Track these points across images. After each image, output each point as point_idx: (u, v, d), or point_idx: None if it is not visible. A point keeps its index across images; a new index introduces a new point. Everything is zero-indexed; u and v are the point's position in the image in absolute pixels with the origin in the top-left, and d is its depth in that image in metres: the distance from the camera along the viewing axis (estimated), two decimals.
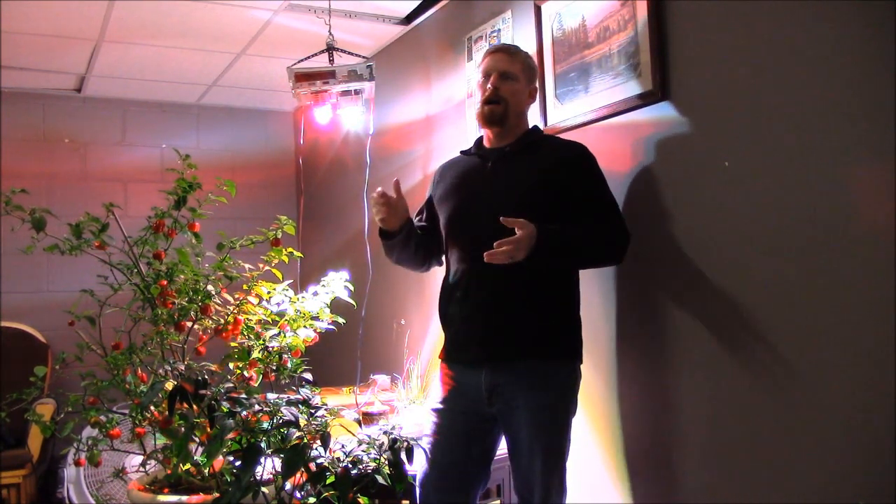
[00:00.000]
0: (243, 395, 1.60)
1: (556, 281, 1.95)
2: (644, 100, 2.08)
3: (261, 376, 1.88)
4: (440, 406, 2.03)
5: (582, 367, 2.01)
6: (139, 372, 1.80)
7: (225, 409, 1.54)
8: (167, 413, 1.64)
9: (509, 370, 1.91)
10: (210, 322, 1.88)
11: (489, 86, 1.99)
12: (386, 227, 2.07)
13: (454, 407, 2.00)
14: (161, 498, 1.68)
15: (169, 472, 1.76)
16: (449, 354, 2.04)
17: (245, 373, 1.87)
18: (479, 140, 2.13)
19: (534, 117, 2.42)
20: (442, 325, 2.08)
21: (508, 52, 2.04)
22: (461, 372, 2.00)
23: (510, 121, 2.02)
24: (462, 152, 2.18)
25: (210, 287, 1.85)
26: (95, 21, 3.26)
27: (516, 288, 1.91)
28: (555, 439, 1.90)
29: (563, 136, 2.30)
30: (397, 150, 3.53)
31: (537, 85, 2.13)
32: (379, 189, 2.03)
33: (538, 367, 1.90)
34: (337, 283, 1.95)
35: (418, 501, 1.99)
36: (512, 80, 2.01)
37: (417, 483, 2.00)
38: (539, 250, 1.79)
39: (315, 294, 1.94)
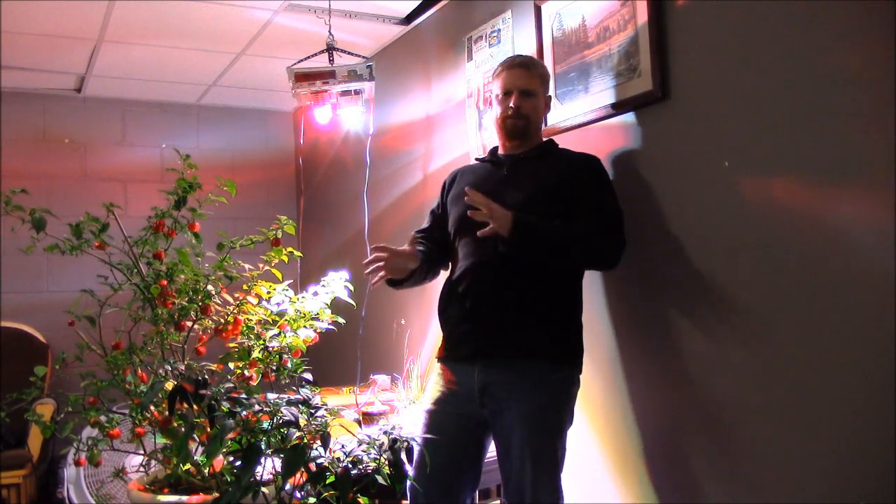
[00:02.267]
0: (243, 395, 1.60)
1: (557, 285, 1.96)
2: (644, 100, 2.08)
3: (261, 376, 1.88)
4: (432, 407, 2.03)
5: (584, 369, 2.01)
6: (139, 372, 1.80)
7: (225, 409, 1.53)
8: (167, 413, 1.64)
9: (502, 370, 1.91)
10: (210, 322, 1.88)
11: (511, 105, 2.03)
12: (393, 277, 2.06)
13: (446, 408, 2.00)
14: (161, 498, 1.68)
15: (169, 472, 1.76)
16: (445, 352, 2.04)
17: (245, 373, 1.87)
18: (495, 149, 2.16)
19: None
20: (441, 323, 2.08)
21: (527, 68, 2.06)
22: (455, 370, 2.00)
23: (530, 134, 2.07)
24: (477, 159, 2.21)
25: (210, 287, 1.85)
26: (95, 21, 3.26)
27: (516, 289, 1.91)
28: (546, 442, 1.87)
29: (563, 136, 2.31)
30: (397, 150, 3.53)
31: (550, 93, 2.17)
32: (372, 254, 1.99)
33: (531, 369, 1.89)
34: (337, 283, 1.95)
35: (409, 498, 1.99)
36: (532, 96, 2.05)
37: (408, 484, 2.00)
38: (515, 231, 1.82)
39: (315, 294, 1.94)
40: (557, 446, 1.90)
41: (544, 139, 2.14)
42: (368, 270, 2.00)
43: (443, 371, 2.04)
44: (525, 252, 1.87)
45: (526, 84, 2.04)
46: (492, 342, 1.92)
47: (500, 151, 2.13)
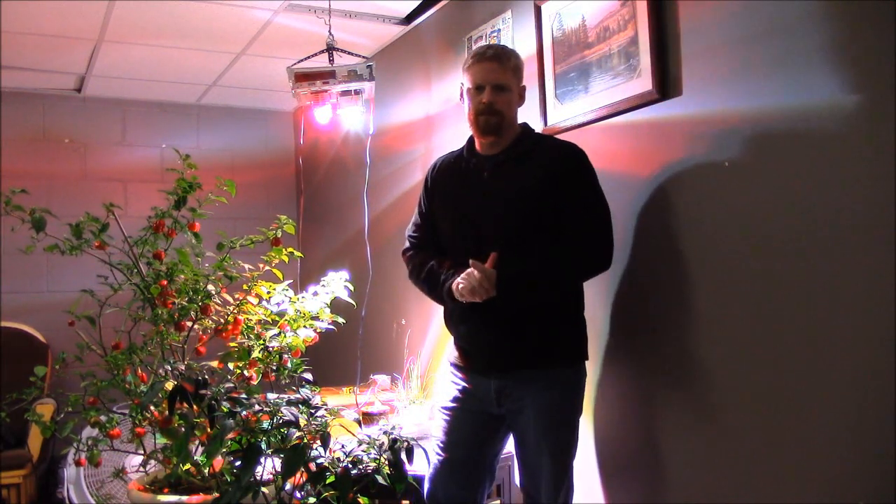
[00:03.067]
0: (243, 395, 1.60)
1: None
2: (644, 100, 2.08)
3: (261, 376, 1.88)
4: (451, 405, 2.04)
5: (585, 369, 2.02)
6: (139, 372, 1.80)
7: (225, 409, 1.54)
8: (167, 413, 1.64)
9: (516, 375, 1.93)
10: (210, 322, 1.88)
11: (483, 100, 1.94)
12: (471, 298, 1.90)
13: (464, 406, 2.02)
14: (161, 498, 1.68)
15: (169, 472, 1.76)
16: (458, 360, 2.05)
17: (245, 373, 1.87)
18: (471, 142, 2.07)
19: (534, 118, 2.42)
20: (448, 330, 2.09)
21: (499, 61, 1.96)
22: (470, 377, 2.02)
23: (504, 129, 1.98)
24: (455, 155, 2.12)
25: (210, 287, 1.85)
26: (95, 21, 3.26)
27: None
28: (562, 438, 1.93)
29: (563, 136, 2.29)
30: (397, 150, 3.53)
31: (525, 84, 2.07)
32: (478, 273, 1.85)
33: (545, 370, 1.92)
34: (337, 283, 1.95)
35: (426, 497, 2.01)
36: (506, 91, 1.97)
37: (427, 479, 2.02)
38: (501, 290, 1.84)
39: (315, 294, 1.94)
40: (571, 438, 1.96)
41: (519, 126, 2.05)
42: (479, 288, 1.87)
43: (456, 373, 2.06)
44: (520, 300, 1.89)
45: (498, 78, 1.96)
46: (504, 356, 1.93)
47: (479, 149, 2.05)
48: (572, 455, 1.96)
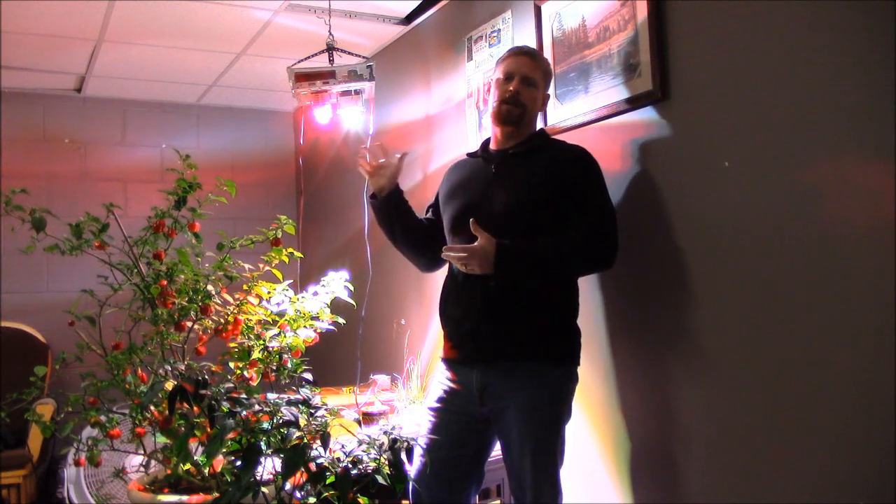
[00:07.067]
0: (243, 395, 1.60)
1: (552, 284, 1.96)
2: (644, 100, 2.08)
3: (261, 376, 1.88)
4: (435, 405, 2.05)
5: (581, 368, 2.02)
6: (139, 372, 1.80)
7: (225, 409, 1.53)
8: (167, 413, 1.64)
9: (501, 370, 1.92)
10: (210, 322, 1.88)
11: (511, 88, 2.01)
12: (373, 187, 2.20)
13: (448, 407, 2.02)
14: (161, 498, 1.68)
15: (169, 472, 1.76)
16: (446, 352, 2.05)
17: (245, 373, 1.87)
18: (486, 143, 2.15)
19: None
20: (441, 322, 2.09)
21: (532, 58, 2.06)
22: (456, 371, 2.02)
23: (523, 124, 2.04)
24: (469, 154, 2.20)
25: (210, 287, 1.85)
26: (95, 21, 3.26)
27: (512, 290, 1.92)
28: (545, 439, 1.90)
29: (563, 136, 2.30)
30: (397, 150, 3.52)
31: (549, 92, 2.16)
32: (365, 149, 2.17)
33: (530, 368, 1.91)
34: (337, 283, 1.95)
35: (411, 497, 2.01)
36: (533, 86, 2.04)
37: (412, 480, 2.01)
38: (499, 267, 1.84)
39: (315, 294, 1.94)
40: (556, 441, 1.92)
41: (536, 129, 2.12)
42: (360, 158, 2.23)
43: (444, 371, 2.06)
44: (515, 279, 1.89)
45: (529, 72, 2.03)
46: (490, 345, 1.93)
47: (492, 146, 2.11)
48: (558, 460, 1.93)
